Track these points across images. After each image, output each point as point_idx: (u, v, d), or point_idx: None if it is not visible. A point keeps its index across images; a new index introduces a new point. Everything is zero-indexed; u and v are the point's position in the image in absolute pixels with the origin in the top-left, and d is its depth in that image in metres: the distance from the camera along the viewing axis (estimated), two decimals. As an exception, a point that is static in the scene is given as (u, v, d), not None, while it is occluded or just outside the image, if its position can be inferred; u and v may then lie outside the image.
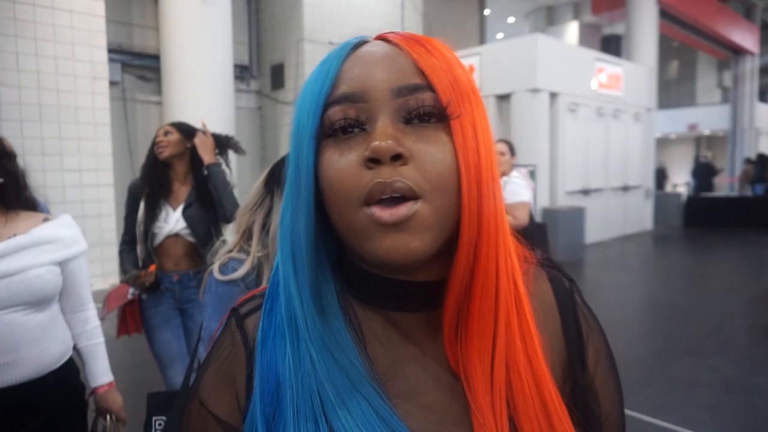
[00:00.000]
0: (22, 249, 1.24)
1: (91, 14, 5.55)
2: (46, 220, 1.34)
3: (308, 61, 7.61)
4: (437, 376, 0.43)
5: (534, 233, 3.01)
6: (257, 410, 0.42)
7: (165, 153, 2.20)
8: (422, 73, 0.40)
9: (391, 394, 0.41)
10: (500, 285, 0.42)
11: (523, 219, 2.96)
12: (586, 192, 8.51)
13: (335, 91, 0.41)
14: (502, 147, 3.20)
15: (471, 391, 0.41)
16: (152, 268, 2.17)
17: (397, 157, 0.38)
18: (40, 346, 1.26)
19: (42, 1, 5.20)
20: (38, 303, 1.26)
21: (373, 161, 0.38)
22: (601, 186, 8.93)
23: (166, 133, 2.22)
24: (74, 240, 1.36)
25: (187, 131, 2.27)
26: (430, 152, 0.39)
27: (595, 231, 8.56)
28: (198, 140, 2.21)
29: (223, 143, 2.31)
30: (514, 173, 3.13)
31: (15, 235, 1.25)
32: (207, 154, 2.18)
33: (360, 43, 0.43)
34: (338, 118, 0.40)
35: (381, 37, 0.44)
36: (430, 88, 0.40)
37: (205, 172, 2.17)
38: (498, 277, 0.42)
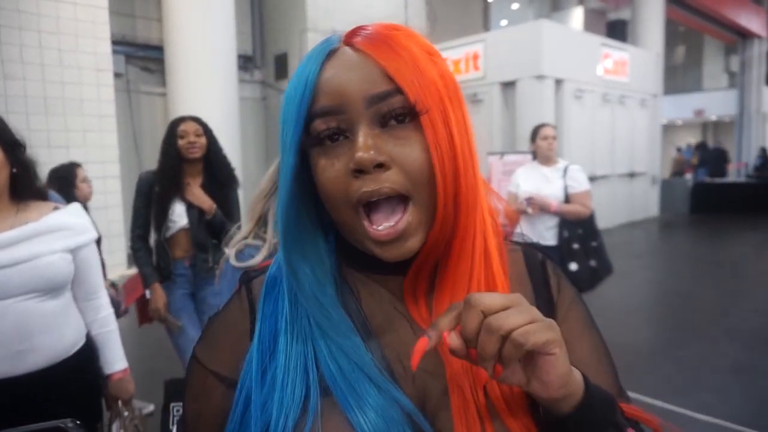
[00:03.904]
0: (34, 236, 1.24)
1: (95, 6, 5.53)
2: (56, 208, 1.35)
3: (309, 49, 7.58)
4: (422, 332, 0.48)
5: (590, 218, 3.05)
6: (254, 349, 0.48)
7: (198, 154, 2.24)
8: (389, 78, 0.44)
9: (382, 344, 0.48)
10: (475, 253, 0.49)
11: (590, 206, 3.00)
12: (592, 179, 8.41)
13: (316, 103, 0.45)
14: (554, 131, 3.13)
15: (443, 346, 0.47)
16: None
17: (380, 165, 0.43)
18: (54, 333, 1.27)
19: (45, -7, 5.18)
20: (51, 290, 1.27)
21: (359, 171, 0.43)
22: (607, 173, 8.88)
23: (197, 134, 2.24)
24: (85, 228, 1.37)
25: (210, 132, 2.31)
26: (407, 153, 0.44)
27: (601, 218, 8.47)
28: (190, 196, 2.25)
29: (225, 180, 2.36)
30: (573, 166, 3.12)
31: (27, 223, 1.26)
32: (205, 204, 2.25)
33: (332, 50, 0.47)
34: (322, 129, 0.45)
35: (348, 42, 0.47)
36: (399, 90, 0.44)
37: (208, 217, 2.26)
38: (474, 246, 0.49)
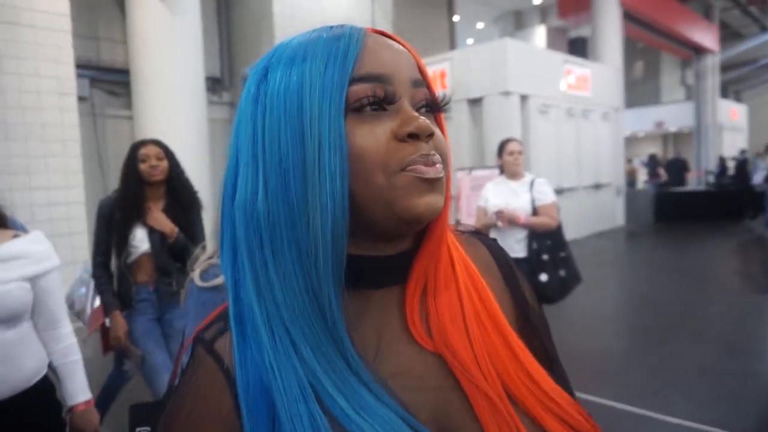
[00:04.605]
0: None
1: (57, 29, 5.45)
2: (15, 236, 1.32)
3: (280, 71, 7.62)
4: (421, 348, 0.46)
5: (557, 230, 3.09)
6: (248, 427, 0.40)
7: (160, 177, 2.22)
8: (421, 72, 0.46)
9: (384, 375, 0.43)
10: (452, 254, 0.50)
11: (557, 218, 3.05)
12: (559, 191, 8.66)
13: (360, 68, 0.42)
14: (520, 146, 3.17)
15: (456, 356, 0.45)
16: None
17: (430, 136, 0.43)
18: (11, 364, 1.23)
19: (4, 17, 5.10)
20: (8, 320, 1.24)
21: (413, 136, 0.42)
22: (573, 185, 9.10)
23: (159, 158, 2.22)
24: (45, 255, 1.34)
25: (171, 154, 2.29)
26: (439, 135, 0.45)
27: (569, 229, 8.64)
28: (152, 221, 2.22)
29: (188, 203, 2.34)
30: (539, 179, 3.18)
31: None
32: (167, 228, 2.23)
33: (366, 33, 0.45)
34: (367, 95, 0.42)
35: (382, 33, 0.47)
36: (427, 85, 0.47)
37: (170, 242, 2.23)
38: (449, 247, 0.50)
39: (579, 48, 11.90)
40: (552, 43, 13.92)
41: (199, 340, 0.46)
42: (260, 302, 0.42)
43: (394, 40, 0.47)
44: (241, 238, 0.43)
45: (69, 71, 5.59)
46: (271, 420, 0.40)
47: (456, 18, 12.20)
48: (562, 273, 3.04)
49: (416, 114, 0.43)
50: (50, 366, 1.37)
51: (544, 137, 8.41)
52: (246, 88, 0.46)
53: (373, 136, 0.41)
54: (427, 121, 0.43)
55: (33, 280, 1.30)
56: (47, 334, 1.36)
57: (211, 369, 0.44)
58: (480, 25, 15.98)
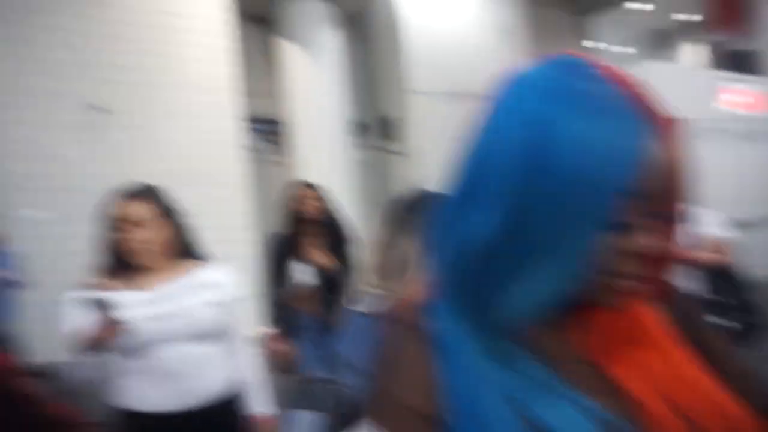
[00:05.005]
0: (185, 291, 1.44)
1: (226, 89, 6.41)
2: (202, 266, 1.54)
3: (415, 111, 7.88)
4: (581, 359, 0.46)
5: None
6: (458, 386, 0.43)
7: (316, 216, 2.44)
8: (681, 181, 0.44)
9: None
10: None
11: (728, 254, 2.80)
12: (736, 225, 7.44)
13: (641, 181, 0.39)
14: None
15: (610, 365, 0.46)
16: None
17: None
18: (200, 377, 1.41)
19: (185, 81, 6.11)
20: (197, 337, 1.42)
21: (638, 257, 0.42)
22: (756, 216, 7.80)
23: (314, 198, 2.47)
24: (230, 284, 1.56)
25: (325, 194, 2.53)
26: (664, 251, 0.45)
27: (755, 268, 7.36)
28: (311, 256, 2.42)
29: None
30: (704, 210, 2.93)
31: (182, 278, 1.46)
32: (324, 263, 2.43)
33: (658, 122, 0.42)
34: (634, 217, 0.41)
35: (665, 131, 0.42)
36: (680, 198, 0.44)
37: (328, 275, 2.41)
38: None
39: (742, 63, 10.58)
40: (706, 61, 12.60)
41: (394, 320, 0.50)
42: (456, 324, 0.46)
43: (674, 146, 0.42)
44: (449, 268, 0.47)
45: (236, 124, 6.51)
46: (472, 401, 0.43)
47: (593, 44, 11.68)
48: (741, 316, 2.69)
49: (656, 240, 0.42)
50: (235, 382, 1.52)
51: (707, 164, 7.46)
52: (508, 120, 0.42)
53: (605, 240, 0.41)
54: (659, 248, 0.42)
55: (220, 304, 1.49)
56: (231, 352, 1.53)
57: (414, 342, 0.46)
58: (617, 49, 15.06)
